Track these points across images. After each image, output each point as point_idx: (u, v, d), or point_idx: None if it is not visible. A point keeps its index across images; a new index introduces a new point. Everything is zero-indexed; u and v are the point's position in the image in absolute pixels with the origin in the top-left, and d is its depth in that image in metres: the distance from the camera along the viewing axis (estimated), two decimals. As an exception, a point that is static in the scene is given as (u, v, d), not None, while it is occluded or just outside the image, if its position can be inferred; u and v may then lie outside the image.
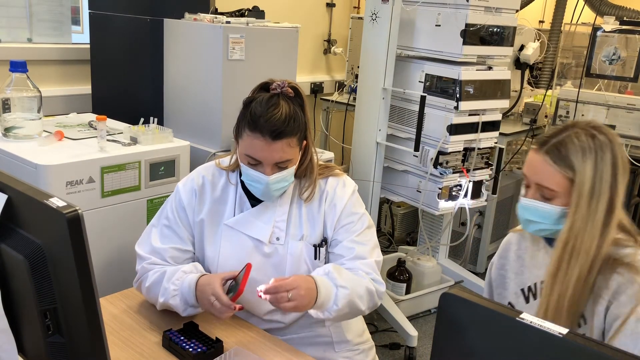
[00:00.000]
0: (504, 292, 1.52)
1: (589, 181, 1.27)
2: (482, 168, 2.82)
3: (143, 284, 1.56)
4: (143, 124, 2.18)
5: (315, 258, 1.58)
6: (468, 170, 2.75)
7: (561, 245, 1.29)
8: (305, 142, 1.57)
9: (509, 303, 1.49)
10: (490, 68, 2.71)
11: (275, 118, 1.46)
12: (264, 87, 1.55)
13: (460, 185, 2.76)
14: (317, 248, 1.58)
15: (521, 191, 1.39)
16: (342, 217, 1.59)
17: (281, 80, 1.53)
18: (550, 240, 1.41)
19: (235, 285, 1.42)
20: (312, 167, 1.61)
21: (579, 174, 1.27)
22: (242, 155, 1.52)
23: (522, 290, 1.47)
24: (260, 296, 1.37)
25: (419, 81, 2.77)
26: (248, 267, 1.40)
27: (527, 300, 1.45)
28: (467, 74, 2.60)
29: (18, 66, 1.96)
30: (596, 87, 3.54)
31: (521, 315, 0.78)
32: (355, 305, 1.50)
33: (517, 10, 2.74)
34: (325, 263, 1.59)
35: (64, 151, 1.93)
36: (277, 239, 1.57)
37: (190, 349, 1.36)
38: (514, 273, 1.49)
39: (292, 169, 1.53)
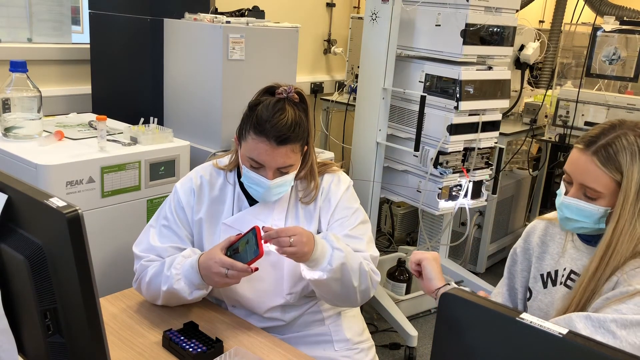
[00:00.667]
0: (529, 275, 1.53)
1: (636, 184, 1.26)
2: (482, 168, 2.82)
3: (143, 281, 1.56)
4: (143, 124, 2.18)
5: None
6: (468, 170, 2.75)
7: (604, 247, 1.30)
8: (306, 147, 1.58)
9: (528, 287, 1.51)
10: (490, 68, 2.71)
11: (282, 123, 1.46)
12: (269, 90, 1.55)
13: (460, 185, 2.76)
14: None
15: (561, 188, 1.38)
16: (336, 212, 1.61)
17: (287, 85, 1.53)
18: (580, 234, 1.42)
19: (247, 249, 1.42)
20: (313, 171, 1.62)
21: (627, 177, 1.27)
22: (244, 158, 1.53)
23: (542, 275, 1.47)
24: (267, 241, 1.41)
25: (419, 81, 2.77)
26: (257, 229, 1.40)
27: (545, 285, 1.46)
28: (467, 74, 2.60)
29: (18, 66, 1.96)
30: (596, 87, 3.54)
31: (521, 315, 0.78)
32: (348, 275, 1.50)
33: (517, 10, 2.74)
34: None
35: (64, 151, 1.93)
36: None
37: (190, 349, 1.36)
38: (536, 257, 1.50)
39: (292, 174, 1.54)
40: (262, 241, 1.40)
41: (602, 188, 1.29)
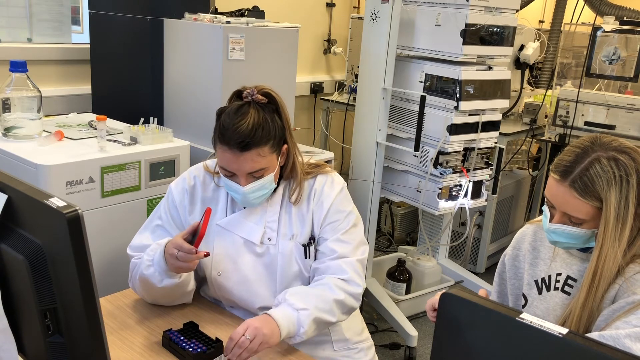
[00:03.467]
0: (518, 282, 1.53)
1: (615, 210, 1.26)
2: (482, 168, 2.82)
3: (135, 277, 1.56)
4: (143, 124, 2.18)
5: (306, 257, 1.58)
6: (468, 170, 2.75)
7: (590, 276, 1.30)
8: (286, 145, 1.56)
9: (523, 294, 1.50)
10: (490, 68, 2.71)
11: (242, 130, 1.44)
12: (238, 95, 1.53)
13: (460, 185, 2.76)
14: (307, 247, 1.59)
15: (545, 211, 1.38)
16: (329, 215, 1.59)
17: (252, 88, 1.50)
18: None
19: (196, 233, 1.42)
20: (294, 169, 1.60)
21: (605, 204, 1.27)
22: (219, 167, 1.53)
23: (536, 281, 1.47)
24: None
25: (419, 81, 2.77)
26: (207, 210, 1.40)
27: (540, 291, 1.46)
28: (467, 74, 2.60)
29: (18, 66, 1.96)
30: (596, 87, 3.54)
31: (521, 315, 0.78)
32: (322, 320, 1.49)
33: (517, 10, 2.74)
34: (314, 260, 1.60)
35: (64, 151, 1.93)
36: (269, 239, 1.57)
37: (190, 349, 1.36)
38: (528, 264, 1.50)
39: (269, 177, 1.51)
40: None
41: (585, 215, 1.30)
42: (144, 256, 1.51)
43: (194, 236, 1.44)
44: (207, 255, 1.43)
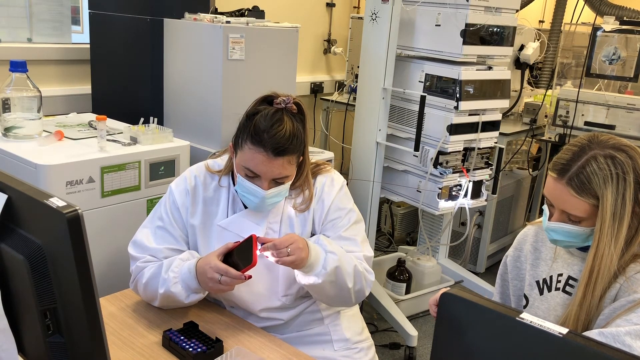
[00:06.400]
0: (520, 283, 1.53)
1: (611, 207, 1.27)
2: (482, 168, 2.82)
3: (140, 282, 1.56)
4: (143, 124, 2.18)
5: None
6: (468, 170, 2.75)
7: (587, 275, 1.31)
8: (302, 157, 1.57)
9: (524, 295, 1.50)
10: (490, 68, 2.71)
11: (280, 135, 1.46)
12: (267, 99, 1.54)
13: (460, 185, 2.76)
14: None
15: (545, 210, 1.39)
16: (330, 213, 1.60)
17: (286, 96, 1.52)
18: None
19: (242, 257, 1.43)
20: (308, 181, 1.61)
21: (602, 202, 1.27)
22: (239, 167, 1.52)
23: (537, 282, 1.48)
24: (267, 257, 1.44)
25: (419, 81, 2.77)
26: (254, 237, 1.42)
27: (541, 292, 1.46)
28: (467, 73, 2.60)
29: (18, 66, 1.96)
30: (596, 87, 3.54)
31: (521, 315, 0.78)
32: (342, 277, 1.51)
33: (517, 10, 2.74)
34: None
35: (64, 151, 1.93)
36: None
37: (190, 349, 1.36)
38: (530, 265, 1.50)
39: (287, 185, 1.54)
40: (258, 250, 1.42)
41: (582, 213, 1.31)
42: (169, 274, 1.50)
43: (230, 257, 1.45)
44: (250, 277, 1.43)
